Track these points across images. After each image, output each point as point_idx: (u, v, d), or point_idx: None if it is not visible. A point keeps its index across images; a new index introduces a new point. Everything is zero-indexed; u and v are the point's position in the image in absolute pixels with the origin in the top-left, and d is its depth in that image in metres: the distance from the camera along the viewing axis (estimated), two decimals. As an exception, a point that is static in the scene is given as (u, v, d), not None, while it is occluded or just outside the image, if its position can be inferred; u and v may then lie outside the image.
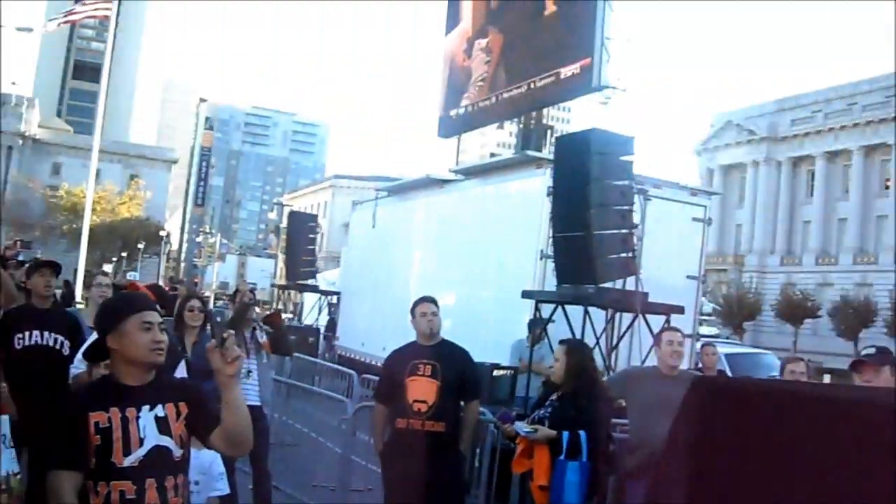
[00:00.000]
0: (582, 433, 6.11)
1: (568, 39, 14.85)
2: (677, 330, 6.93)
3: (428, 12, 47.69)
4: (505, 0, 18.50)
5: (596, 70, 13.71)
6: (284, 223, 35.91)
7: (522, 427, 6.33)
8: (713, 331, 41.29)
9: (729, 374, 16.19)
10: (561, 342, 6.87)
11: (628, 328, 10.05)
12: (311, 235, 25.26)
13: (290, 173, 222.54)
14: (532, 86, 16.06)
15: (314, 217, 28.50)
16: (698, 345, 12.28)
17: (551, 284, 10.76)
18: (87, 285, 12.34)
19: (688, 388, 2.47)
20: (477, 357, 7.10)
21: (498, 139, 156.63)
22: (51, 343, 6.58)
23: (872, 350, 5.83)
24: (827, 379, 49.81)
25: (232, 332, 3.48)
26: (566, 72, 14.69)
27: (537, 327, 10.49)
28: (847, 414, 2.17)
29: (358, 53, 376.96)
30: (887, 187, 66.50)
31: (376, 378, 8.23)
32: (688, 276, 13.15)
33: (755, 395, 2.45)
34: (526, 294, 10.89)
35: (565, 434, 6.10)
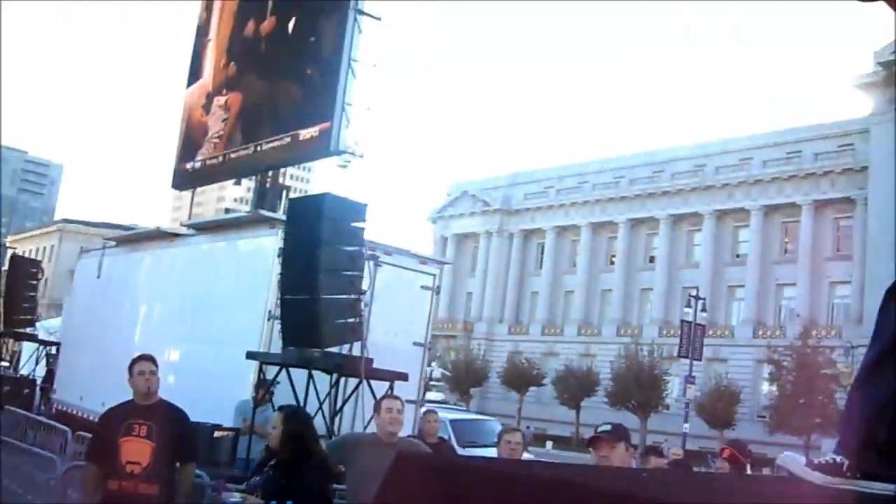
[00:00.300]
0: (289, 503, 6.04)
1: (308, 102, 14.96)
2: (397, 398, 7.03)
3: (174, 60, 46.80)
4: (247, 60, 18.43)
5: (335, 134, 13.85)
6: (6, 266, 33.98)
7: (230, 497, 6.22)
8: (440, 396, 42.15)
9: (453, 440, 16.56)
10: (279, 408, 6.81)
11: (352, 393, 10.08)
12: (33, 281, 24.04)
13: (17, 214, 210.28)
14: (269, 145, 16.03)
15: (37, 262, 27.15)
16: (422, 411, 12.47)
17: (278, 346, 10.70)
18: None
19: (391, 461, 2.50)
20: (200, 417, 6.95)
21: (236, 195, 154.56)
22: None
23: (608, 427, 6.09)
24: (549, 445, 51.70)
25: None
26: (305, 134, 14.76)
27: (262, 388, 10.39)
28: (542, 495, 2.14)
29: (98, 92, 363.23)
30: (612, 262, 70.74)
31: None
32: (415, 343, 13.38)
33: (457, 473, 2.47)
34: (250, 355, 10.76)
35: (273, 504, 6.01)
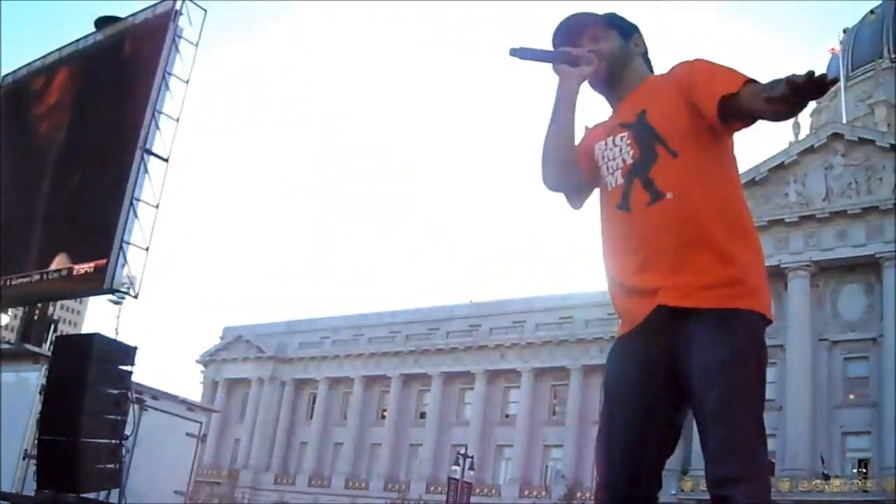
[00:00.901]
0: None
1: (85, 238, 14.61)
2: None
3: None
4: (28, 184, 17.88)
5: (110, 272, 13.52)
6: None
7: None
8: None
9: None
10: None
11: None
12: None
13: None
14: (39, 277, 15.45)
15: None
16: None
17: (31, 488, 10.15)
18: None
19: None
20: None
21: (3, 322, 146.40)
22: None
23: None
24: None
25: None
26: (79, 269, 14.34)
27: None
28: None
29: None
30: (383, 417, 70.72)
31: None
32: (175, 491, 12.96)
33: None
34: (1, 496, 10.16)
35: None
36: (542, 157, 3.20)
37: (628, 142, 3.10)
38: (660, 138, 3.02)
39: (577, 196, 3.29)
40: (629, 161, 3.06)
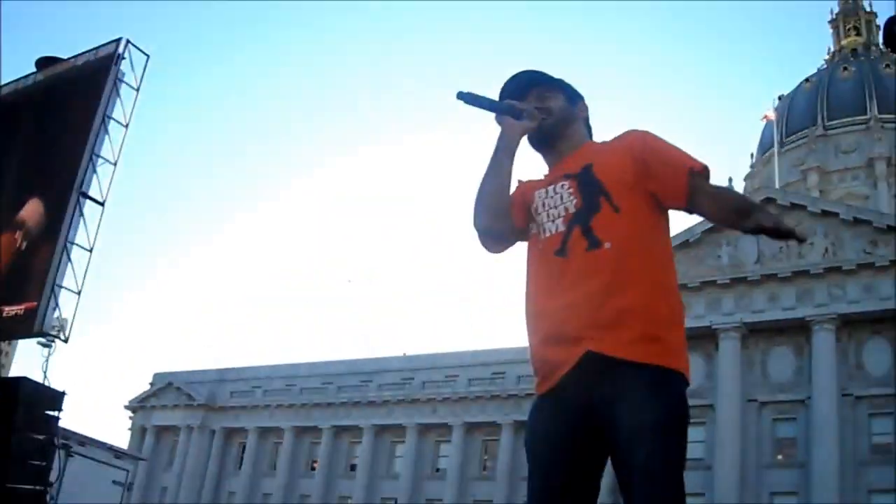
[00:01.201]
0: None
1: (17, 279, 14.40)
2: None
3: None
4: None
5: (40, 315, 13.34)
6: None
7: None
8: None
9: None
10: None
11: None
12: None
13: None
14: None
15: None
16: None
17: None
18: None
19: None
20: None
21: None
22: None
23: None
24: None
25: None
26: (9, 311, 14.12)
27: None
28: None
29: None
30: (313, 468, 69.81)
31: None
32: (99, 541, 12.70)
33: None
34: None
35: None
36: (477, 201, 3.28)
37: (570, 191, 3.20)
38: (605, 192, 3.13)
39: (500, 243, 3.37)
40: (571, 210, 3.16)
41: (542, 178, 3.38)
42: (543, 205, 3.25)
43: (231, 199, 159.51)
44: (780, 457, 49.28)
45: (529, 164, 3.43)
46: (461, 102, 3.24)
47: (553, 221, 3.19)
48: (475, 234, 3.35)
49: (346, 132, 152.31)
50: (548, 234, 3.20)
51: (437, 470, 64.67)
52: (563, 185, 3.22)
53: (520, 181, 3.41)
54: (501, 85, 3.43)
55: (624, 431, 2.86)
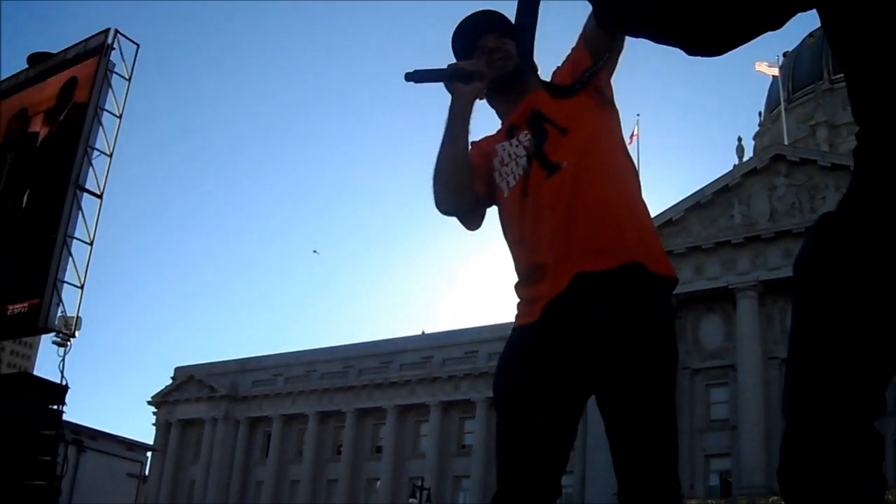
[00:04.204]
0: None
1: (18, 277, 14.34)
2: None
3: None
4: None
5: (44, 311, 13.27)
6: None
7: None
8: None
9: None
10: None
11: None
12: None
13: None
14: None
15: None
16: None
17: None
18: None
19: None
20: None
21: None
22: None
23: None
24: None
25: None
26: (14, 309, 14.06)
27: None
28: None
29: None
30: (339, 452, 70.05)
31: None
32: (117, 534, 12.68)
33: None
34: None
35: None
36: (435, 180, 3.14)
37: (526, 133, 3.11)
38: (548, 119, 3.05)
39: (473, 216, 3.24)
40: (530, 149, 3.07)
41: (499, 130, 3.29)
42: (509, 155, 3.15)
43: (236, 184, 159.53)
44: (804, 413, 49.10)
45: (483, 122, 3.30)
46: (412, 83, 3.11)
47: (514, 172, 3.10)
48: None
49: (341, 114, 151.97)
50: (513, 184, 3.10)
51: (463, 447, 64.76)
52: (523, 133, 3.13)
53: (473, 143, 3.25)
54: (452, 34, 3.31)
55: (611, 363, 2.74)
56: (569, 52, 3.18)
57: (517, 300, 3.07)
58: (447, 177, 3.12)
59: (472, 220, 3.25)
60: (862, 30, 1.81)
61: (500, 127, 3.31)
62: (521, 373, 2.92)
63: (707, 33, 2.11)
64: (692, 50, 2.15)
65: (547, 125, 3.05)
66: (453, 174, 3.11)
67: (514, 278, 3.10)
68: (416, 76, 3.10)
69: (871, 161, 1.78)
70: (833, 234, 1.83)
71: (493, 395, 3.03)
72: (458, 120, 3.10)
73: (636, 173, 3.15)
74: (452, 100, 3.11)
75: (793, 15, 2.06)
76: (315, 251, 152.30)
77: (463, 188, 3.13)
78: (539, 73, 3.29)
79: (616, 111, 3.20)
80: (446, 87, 3.11)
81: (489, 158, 3.20)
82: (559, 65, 3.21)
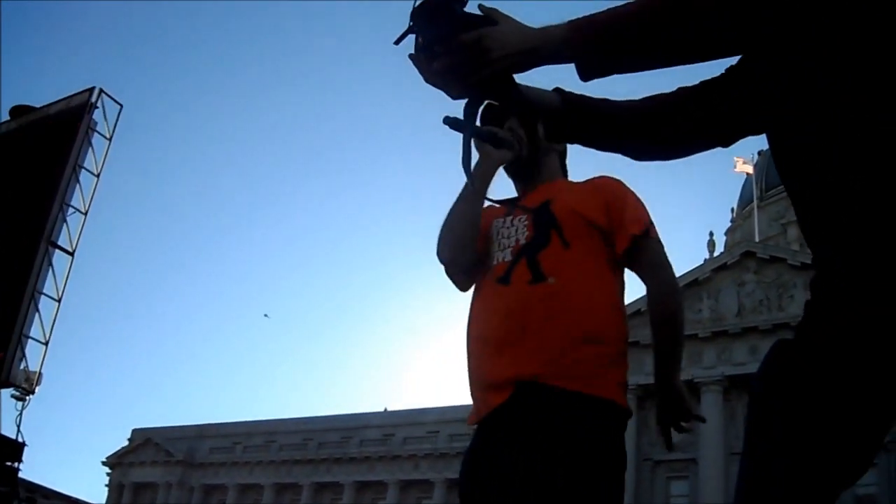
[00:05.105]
0: None
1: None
2: None
3: None
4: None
5: (7, 365, 13.10)
6: None
7: None
8: None
9: None
10: None
11: None
12: None
13: None
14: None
15: None
16: None
17: None
18: None
19: None
20: None
21: None
22: None
23: None
24: None
25: None
26: (-26, 362, 13.86)
27: None
28: None
29: None
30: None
31: None
32: None
33: None
34: None
35: None
36: (445, 230, 3.20)
37: (526, 223, 3.14)
38: (557, 226, 3.06)
39: (467, 276, 3.28)
40: (522, 241, 3.10)
41: (503, 206, 3.30)
42: (498, 234, 3.20)
43: (205, 247, 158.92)
44: (763, 511, 48.93)
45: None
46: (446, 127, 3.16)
47: (503, 251, 3.14)
48: (442, 269, 3.27)
49: (325, 176, 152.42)
50: (495, 263, 3.14)
51: (425, 526, 63.98)
52: (520, 218, 3.17)
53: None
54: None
55: (560, 486, 2.70)
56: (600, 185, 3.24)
57: (471, 382, 3.09)
58: (459, 231, 3.17)
59: (466, 279, 3.28)
60: (803, 166, 1.86)
61: (508, 198, 3.33)
62: (469, 471, 2.99)
63: (664, 145, 2.19)
64: (638, 159, 2.22)
65: (553, 232, 3.08)
66: (466, 230, 3.17)
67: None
68: (454, 124, 3.11)
69: (824, 297, 1.82)
70: (794, 354, 1.86)
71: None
72: (479, 182, 3.10)
73: (621, 315, 3.12)
74: (480, 160, 3.14)
75: (742, 137, 2.13)
76: (266, 315, 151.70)
77: (470, 245, 3.18)
78: (565, 159, 3.40)
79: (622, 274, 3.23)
80: (476, 145, 3.07)
81: (489, 224, 3.26)
82: (593, 182, 3.27)
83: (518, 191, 3.39)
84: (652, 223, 3.13)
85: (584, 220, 3.07)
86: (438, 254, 3.22)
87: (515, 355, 2.90)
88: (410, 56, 1.96)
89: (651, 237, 3.11)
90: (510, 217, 3.20)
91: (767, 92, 1.94)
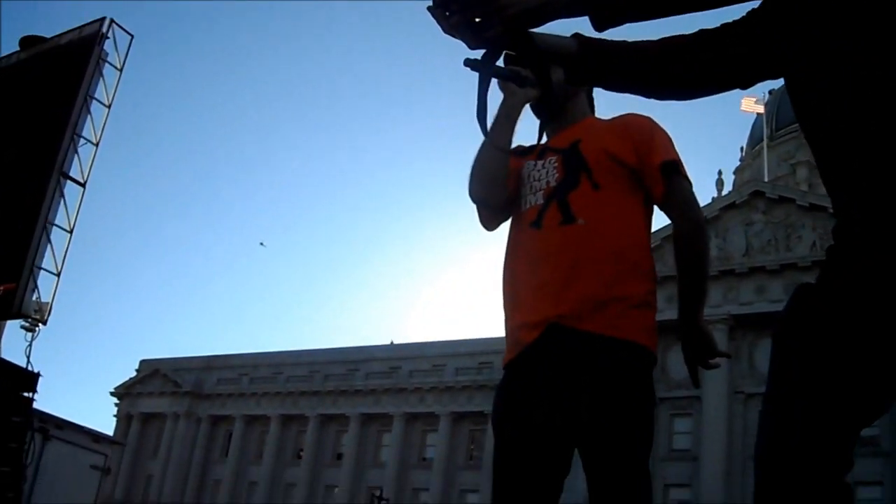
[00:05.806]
0: None
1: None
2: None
3: None
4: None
5: (19, 296, 13.17)
6: None
7: None
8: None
9: None
10: None
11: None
12: None
13: None
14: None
15: None
16: None
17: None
18: None
19: None
20: None
21: None
22: None
23: None
24: None
25: None
26: (-13, 292, 13.94)
27: None
28: None
29: None
30: (300, 457, 69.74)
31: None
32: (76, 525, 12.59)
33: None
34: None
35: None
36: (474, 168, 3.19)
37: (556, 165, 3.16)
38: (586, 168, 3.08)
39: (496, 215, 3.29)
40: (552, 184, 3.12)
41: (534, 148, 3.32)
42: (529, 176, 3.22)
43: (215, 180, 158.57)
44: (765, 448, 49.34)
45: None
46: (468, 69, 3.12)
47: (535, 194, 3.16)
48: (473, 207, 3.29)
49: (336, 115, 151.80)
50: (527, 206, 3.17)
51: (424, 459, 64.66)
52: (550, 160, 3.19)
53: (513, 149, 3.30)
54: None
55: (591, 411, 2.81)
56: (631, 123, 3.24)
57: (506, 326, 3.14)
58: (487, 168, 3.16)
59: (494, 219, 3.30)
60: (820, 113, 1.93)
61: (541, 142, 3.34)
62: (506, 408, 3.04)
63: (678, 87, 2.20)
64: (659, 98, 2.25)
65: (583, 174, 3.10)
66: (494, 167, 3.16)
67: (493, 294, 3.17)
68: (476, 65, 3.07)
69: (844, 243, 1.88)
70: (814, 298, 1.91)
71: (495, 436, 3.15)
72: (506, 119, 3.09)
73: (649, 254, 3.17)
74: (504, 99, 3.11)
75: (762, 80, 2.16)
76: (262, 243, 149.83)
77: (499, 182, 3.18)
78: (593, 98, 3.38)
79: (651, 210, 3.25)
80: (500, 85, 3.05)
81: (520, 166, 3.27)
82: (620, 119, 3.27)
83: (548, 133, 3.38)
84: (681, 161, 3.14)
85: (613, 159, 3.08)
86: (470, 192, 3.22)
87: (546, 297, 2.95)
88: (428, 8, 2.01)
89: (680, 174, 3.12)
90: (541, 161, 3.21)
91: (780, 53, 2.00)
